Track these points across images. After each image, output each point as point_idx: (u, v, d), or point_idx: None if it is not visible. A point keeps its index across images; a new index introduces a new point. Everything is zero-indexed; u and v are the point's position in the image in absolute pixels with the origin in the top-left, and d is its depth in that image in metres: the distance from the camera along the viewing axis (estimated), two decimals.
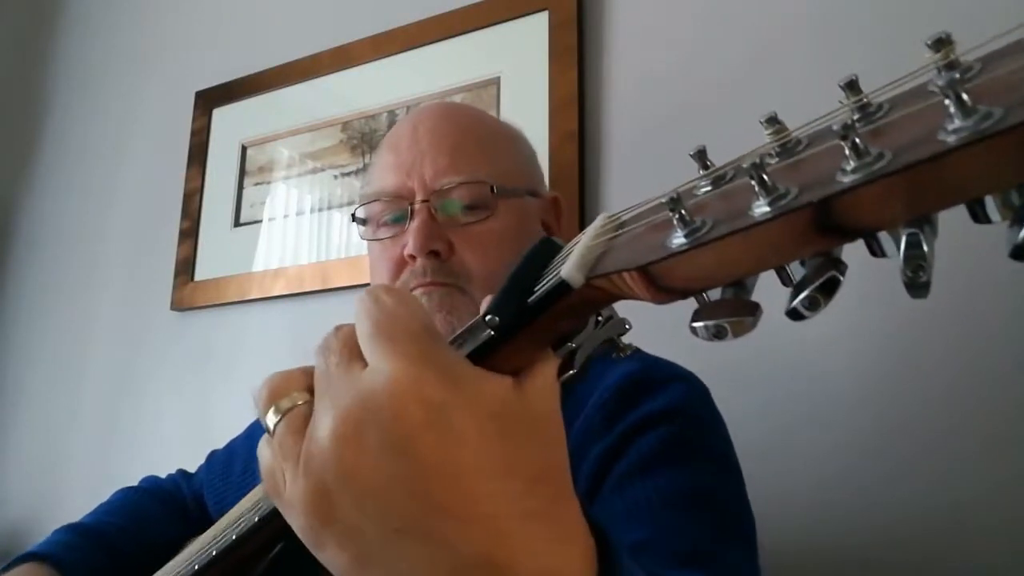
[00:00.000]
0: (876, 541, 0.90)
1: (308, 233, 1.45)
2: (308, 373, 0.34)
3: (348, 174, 1.44)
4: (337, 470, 0.30)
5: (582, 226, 0.31)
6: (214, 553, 0.46)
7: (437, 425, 0.29)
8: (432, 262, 0.72)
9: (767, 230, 0.25)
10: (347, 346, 0.32)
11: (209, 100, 1.66)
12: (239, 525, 0.44)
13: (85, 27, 1.97)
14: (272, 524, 0.42)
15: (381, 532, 0.30)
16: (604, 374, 0.67)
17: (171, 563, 0.56)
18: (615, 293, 0.30)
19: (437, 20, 1.37)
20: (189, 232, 1.60)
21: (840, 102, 0.26)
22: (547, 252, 0.33)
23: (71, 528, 0.84)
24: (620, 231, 0.31)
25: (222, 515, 0.50)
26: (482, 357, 0.32)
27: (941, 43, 0.23)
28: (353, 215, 0.79)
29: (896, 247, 0.24)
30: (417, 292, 0.72)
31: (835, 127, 0.23)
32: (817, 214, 0.23)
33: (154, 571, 0.59)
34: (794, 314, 0.26)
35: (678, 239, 0.27)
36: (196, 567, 0.48)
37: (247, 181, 1.57)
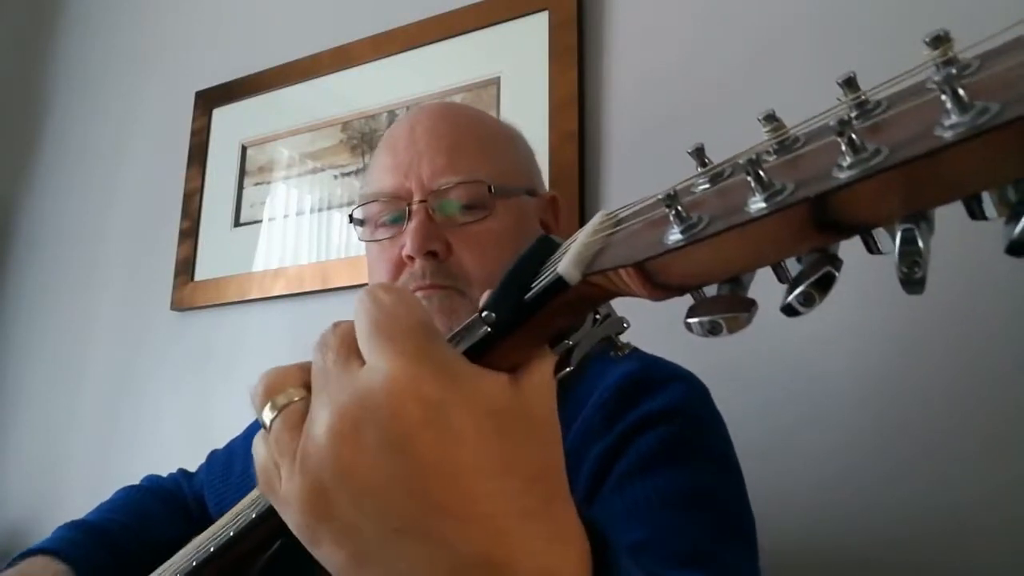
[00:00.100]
0: (876, 541, 0.90)
1: (308, 233, 1.45)
2: (305, 369, 0.34)
3: (348, 174, 1.44)
4: (334, 468, 0.30)
5: (582, 226, 0.31)
6: (212, 549, 0.46)
7: (435, 423, 0.29)
8: (430, 263, 0.72)
9: (763, 226, 0.25)
10: (345, 343, 0.32)
11: (209, 100, 1.66)
12: (237, 522, 0.44)
13: (85, 27, 1.97)
14: (269, 521, 0.42)
15: (379, 531, 0.30)
16: (603, 374, 0.67)
17: (171, 560, 0.56)
18: (612, 290, 0.29)
19: (437, 20, 1.37)
20: (189, 232, 1.60)
21: (838, 99, 0.26)
22: (544, 249, 0.33)
23: (75, 525, 0.84)
24: (617, 228, 0.31)
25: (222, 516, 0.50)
26: (479, 354, 0.32)
27: (939, 40, 0.23)
28: (351, 216, 0.79)
29: (892, 243, 0.24)
30: (416, 295, 0.71)
31: (832, 123, 0.23)
32: (813, 210, 0.23)
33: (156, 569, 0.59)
34: (789, 310, 0.26)
35: (674, 235, 0.27)
36: (195, 563, 0.48)
37: (247, 181, 1.57)
